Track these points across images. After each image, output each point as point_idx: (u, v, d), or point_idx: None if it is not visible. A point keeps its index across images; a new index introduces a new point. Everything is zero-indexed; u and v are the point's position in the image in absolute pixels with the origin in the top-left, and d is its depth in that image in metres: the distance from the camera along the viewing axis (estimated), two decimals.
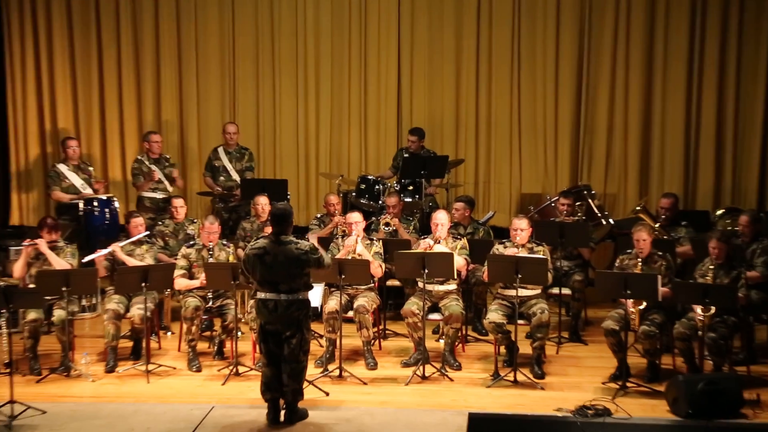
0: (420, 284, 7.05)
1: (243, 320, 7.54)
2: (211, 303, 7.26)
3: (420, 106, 10.45)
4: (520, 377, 6.71)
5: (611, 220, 9.18)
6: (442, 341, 7.29)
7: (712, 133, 10.01)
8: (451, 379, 6.82)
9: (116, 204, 9.12)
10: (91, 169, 9.41)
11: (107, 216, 8.93)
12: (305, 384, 6.16)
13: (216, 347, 7.41)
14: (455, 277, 7.14)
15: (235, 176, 9.45)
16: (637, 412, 6.12)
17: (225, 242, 7.60)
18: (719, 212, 9.13)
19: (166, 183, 9.30)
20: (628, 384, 6.53)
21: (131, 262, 7.41)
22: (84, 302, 8.47)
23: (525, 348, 7.08)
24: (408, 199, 9.15)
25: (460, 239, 7.42)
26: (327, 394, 6.49)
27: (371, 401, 6.41)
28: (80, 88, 10.58)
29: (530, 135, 10.34)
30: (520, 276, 6.65)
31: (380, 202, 9.04)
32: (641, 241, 6.87)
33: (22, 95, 10.59)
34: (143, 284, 6.86)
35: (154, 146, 9.25)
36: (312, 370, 6.68)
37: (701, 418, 5.96)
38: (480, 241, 7.77)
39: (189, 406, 6.29)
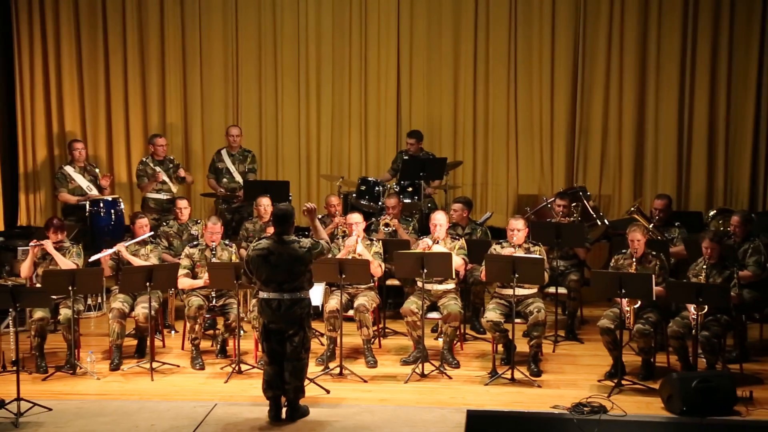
0: (419, 284, 7.10)
1: (245, 319, 7.58)
2: (214, 302, 7.30)
3: (419, 109, 10.51)
4: (517, 375, 6.75)
5: (606, 221, 9.24)
6: (440, 340, 7.34)
7: (704, 135, 10.06)
8: (450, 377, 6.86)
9: (121, 205, 9.22)
10: (97, 170, 9.50)
11: (113, 217, 9.00)
12: (306, 381, 6.20)
13: (219, 345, 7.45)
14: (454, 276, 7.18)
15: (238, 178, 9.53)
16: (632, 410, 6.15)
17: (227, 242, 7.64)
18: (712, 213, 9.20)
19: (171, 184, 9.38)
20: (624, 382, 6.57)
21: (136, 261, 7.46)
22: (89, 301, 8.51)
23: (522, 346, 7.11)
24: (407, 201, 9.19)
25: (459, 239, 7.46)
26: (328, 391, 6.53)
27: (371, 399, 6.44)
28: (87, 92, 10.66)
29: (527, 137, 10.40)
30: (517, 275, 6.70)
31: (380, 203, 9.09)
32: (636, 241, 6.90)
33: (30, 98, 10.66)
34: (148, 284, 6.90)
35: (159, 149, 9.34)
36: (313, 368, 6.70)
37: (695, 415, 5.99)
38: (478, 242, 7.81)
39: (192, 404, 6.33)
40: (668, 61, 10.05)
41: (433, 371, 6.92)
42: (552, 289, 7.79)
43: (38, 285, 7.18)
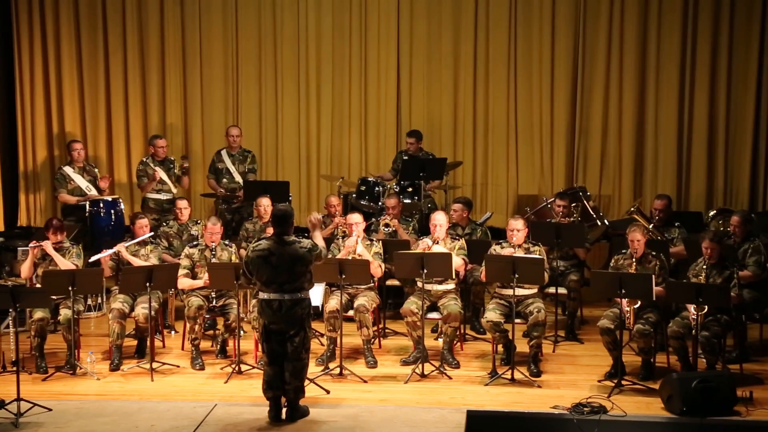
0: (419, 284, 7.12)
1: (245, 319, 7.59)
2: (214, 302, 7.31)
3: (419, 109, 10.52)
4: (517, 375, 6.76)
5: (606, 221, 9.25)
6: (440, 340, 7.35)
7: (704, 135, 10.07)
8: (450, 377, 6.87)
9: (121, 205, 9.23)
10: (96, 171, 9.52)
11: (112, 217, 9.01)
12: (306, 382, 6.21)
13: (219, 346, 7.46)
14: (453, 276, 7.19)
15: (238, 178, 9.54)
16: (632, 410, 6.16)
17: (227, 242, 7.65)
18: (712, 213, 9.19)
19: (170, 185, 9.39)
20: (623, 382, 6.57)
21: (136, 262, 7.47)
22: (89, 302, 8.51)
23: (522, 346, 7.12)
24: (407, 201, 9.20)
25: (459, 240, 7.47)
26: (328, 392, 6.54)
27: (371, 399, 6.45)
28: (87, 92, 10.66)
29: (527, 137, 10.41)
30: (517, 276, 6.71)
31: (380, 203, 9.10)
32: (635, 241, 6.91)
33: (30, 99, 10.67)
34: (148, 284, 6.90)
35: (159, 150, 9.35)
36: (313, 369, 6.71)
37: (695, 416, 6.00)
38: (478, 242, 7.82)
39: (192, 404, 6.33)
40: (668, 61, 10.06)
41: (433, 371, 6.93)
42: (552, 290, 7.80)
43: (38, 285, 7.19)
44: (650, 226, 7.97)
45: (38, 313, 7.02)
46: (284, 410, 6.08)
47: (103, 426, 5.98)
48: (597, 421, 6.01)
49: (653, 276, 6.62)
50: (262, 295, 6.01)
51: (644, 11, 10.05)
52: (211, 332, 7.82)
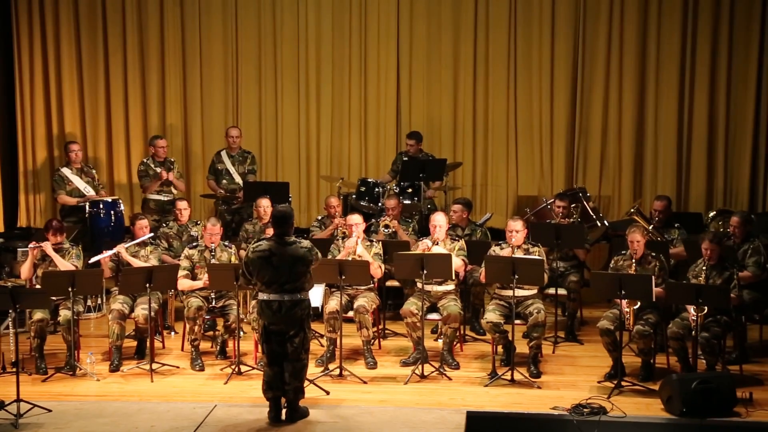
0: (419, 285, 7.12)
1: (245, 320, 7.59)
2: (213, 303, 7.31)
3: (419, 110, 10.52)
4: (517, 376, 6.76)
5: (606, 222, 9.26)
6: (440, 341, 7.35)
7: (704, 136, 10.07)
8: (450, 378, 6.88)
9: (121, 206, 9.23)
10: (93, 171, 9.52)
11: (112, 218, 9.01)
12: (306, 383, 6.21)
13: (218, 347, 7.47)
14: (453, 277, 7.19)
15: (238, 179, 9.54)
16: (631, 411, 6.16)
17: (226, 243, 7.65)
18: (711, 214, 9.19)
19: (171, 185, 9.42)
20: (623, 383, 6.58)
21: (136, 263, 7.48)
22: (89, 302, 8.51)
23: (522, 347, 7.13)
24: (407, 202, 9.21)
25: (458, 241, 7.47)
26: (327, 392, 6.55)
27: (371, 400, 6.46)
28: (87, 93, 10.66)
29: (526, 138, 10.41)
30: (516, 276, 6.71)
31: (380, 204, 9.11)
32: (635, 242, 6.91)
33: (30, 99, 10.66)
34: (147, 285, 6.91)
35: (160, 151, 9.35)
36: (313, 369, 6.72)
37: (695, 417, 6.01)
38: (477, 243, 7.83)
39: (192, 405, 6.34)
40: (668, 61, 10.06)
41: (432, 372, 6.93)
42: (552, 290, 7.80)
43: (38, 286, 7.19)
44: (650, 227, 7.97)
45: (38, 314, 7.02)
46: (284, 411, 6.09)
47: (103, 427, 5.99)
48: (597, 422, 6.02)
49: (653, 277, 6.63)
50: (262, 296, 6.01)
51: (644, 11, 10.06)
52: (210, 333, 7.83)
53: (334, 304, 7.09)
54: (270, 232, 7.15)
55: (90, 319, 8.55)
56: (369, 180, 9.38)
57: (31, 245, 7.41)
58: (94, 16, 10.58)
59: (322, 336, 7.43)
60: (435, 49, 10.44)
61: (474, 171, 10.53)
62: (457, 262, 7.23)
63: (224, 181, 9.56)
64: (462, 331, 7.65)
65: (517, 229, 7.18)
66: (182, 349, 7.61)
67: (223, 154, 9.65)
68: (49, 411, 6.19)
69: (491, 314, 7.00)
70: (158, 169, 9.28)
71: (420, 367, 6.90)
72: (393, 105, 10.57)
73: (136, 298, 7.36)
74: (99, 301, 8.69)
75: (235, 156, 9.63)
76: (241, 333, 7.39)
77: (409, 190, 9.34)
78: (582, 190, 9.35)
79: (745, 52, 9.93)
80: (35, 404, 6.21)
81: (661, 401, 6.27)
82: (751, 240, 7.36)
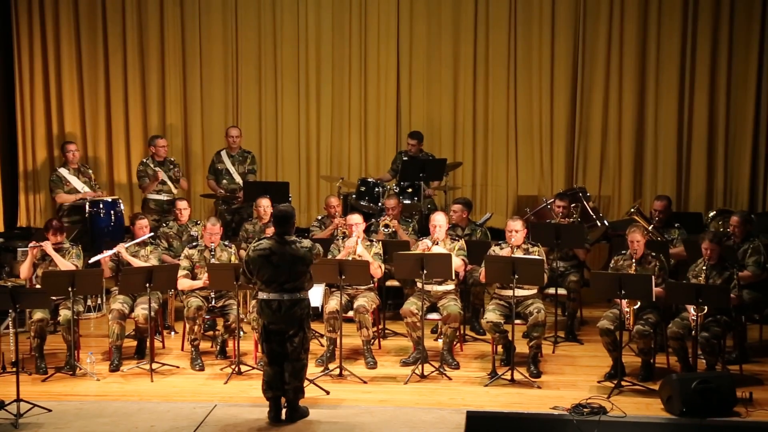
0: (419, 284, 7.12)
1: (245, 320, 7.60)
2: (213, 303, 7.32)
3: (419, 110, 10.52)
4: (517, 376, 6.77)
5: (606, 222, 9.26)
6: (440, 341, 7.35)
7: (704, 136, 10.08)
8: (450, 378, 6.88)
9: (121, 206, 9.24)
10: (90, 172, 9.52)
11: (112, 218, 9.03)
12: (306, 382, 6.22)
13: (218, 346, 7.47)
14: (453, 277, 7.20)
15: (238, 179, 9.55)
16: (631, 411, 6.17)
17: (226, 243, 7.66)
18: (711, 214, 9.19)
19: (171, 185, 9.39)
20: (623, 383, 6.59)
21: (136, 263, 7.48)
22: (89, 302, 8.52)
23: (522, 347, 7.13)
24: (407, 201, 9.21)
25: (458, 240, 7.48)
26: (327, 392, 6.55)
27: (371, 400, 6.46)
28: (87, 93, 10.66)
29: (526, 138, 10.41)
30: (516, 276, 6.72)
31: (380, 204, 9.11)
32: (635, 242, 6.91)
33: (30, 99, 10.66)
34: (147, 285, 6.92)
35: (160, 150, 9.36)
36: (313, 369, 6.73)
37: (695, 417, 6.02)
38: (477, 243, 7.83)
39: (192, 405, 6.34)
40: (668, 61, 10.07)
41: (432, 372, 6.93)
42: (552, 290, 7.80)
43: (38, 286, 7.19)
44: (650, 227, 7.98)
45: (38, 314, 7.02)
46: (284, 411, 6.09)
47: (103, 426, 5.99)
48: (597, 422, 6.02)
49: (653, 277, 6.63)
50: (262, 296, 6.02)
51: (644, 11, 10.06)
52: (210, 333, 7.83)
53: (334, 303, 7.09)
54: (270, 231, 7.14)
55: (90, 319, 8.55)
56: (369, 180, 9.39)
57: (31, 245, 7.42)
58: (94, 16, 10.59)
59: (322, 336, 7.43)
60: (435, 49, 10.44)
61: (474, 171, 10.54)
62: (457, 262, 7.23)
63: (224, 181, 9.57)
64: (462, 331, 7.65)
65: (516, 229, 7.18)
66: (182, 349, 7.62)
67: (223, 154, 9.65)
68: (49, 411, 6.19)
69: (491, 314, 7.00)
70: (157, 169, 9.28)
71: (420, 366, 6.90)
72: (393, 105, 10.58)
73: (136, 298, 7.36)
74: (99, 300, 8.70)
75: (235, 156, 9.64)
76: (241, 333, 7.39)
77: (409, 190, 9.35)
78: (582, 189, 9.35)
79: (745, 52, 9.93)
80: (35, 404, 6.20)
81: (661, 401, 6.28)
82: (751, 240, 7.37)
